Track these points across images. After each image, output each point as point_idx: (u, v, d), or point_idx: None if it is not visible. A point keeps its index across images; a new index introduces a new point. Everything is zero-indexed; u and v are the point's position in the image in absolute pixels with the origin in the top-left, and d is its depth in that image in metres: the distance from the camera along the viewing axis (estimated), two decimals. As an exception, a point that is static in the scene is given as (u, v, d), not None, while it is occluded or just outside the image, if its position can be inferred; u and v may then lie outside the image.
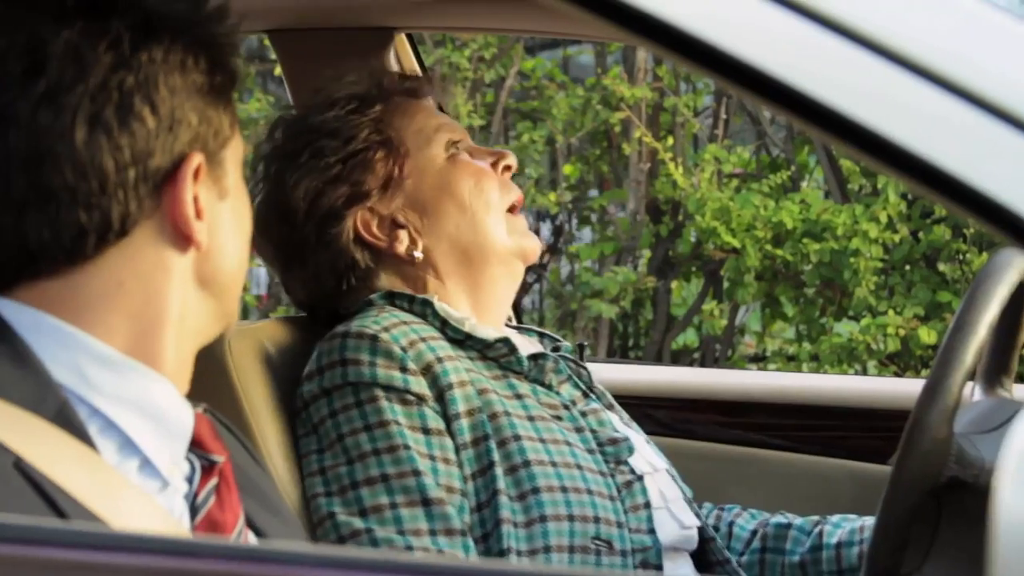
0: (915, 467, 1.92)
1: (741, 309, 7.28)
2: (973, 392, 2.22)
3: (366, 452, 2.03)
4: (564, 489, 2.06)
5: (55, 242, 1.36)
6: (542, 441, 2.09)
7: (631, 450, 2.17)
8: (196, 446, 1.45)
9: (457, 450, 2.05)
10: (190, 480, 1.45)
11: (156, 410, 1.40)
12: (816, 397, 2.78)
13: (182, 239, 1.40)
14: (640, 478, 2.15)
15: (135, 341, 1.39)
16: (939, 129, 1.16)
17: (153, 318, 1.40)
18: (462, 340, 2.16)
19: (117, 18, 1.36)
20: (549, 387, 2.20)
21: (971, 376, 2.01)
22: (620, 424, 2.25)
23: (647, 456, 2.22)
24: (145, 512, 1.34)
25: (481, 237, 2.23)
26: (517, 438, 2.07)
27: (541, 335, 2.33)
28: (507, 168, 2.27)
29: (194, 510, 1.45)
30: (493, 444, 2.05)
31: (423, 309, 2.18)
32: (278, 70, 6.25)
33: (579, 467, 2.10)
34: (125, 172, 1.36)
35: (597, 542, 2.05)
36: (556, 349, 2.30)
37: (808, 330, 6.60)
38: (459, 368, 2.09)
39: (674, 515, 2.17)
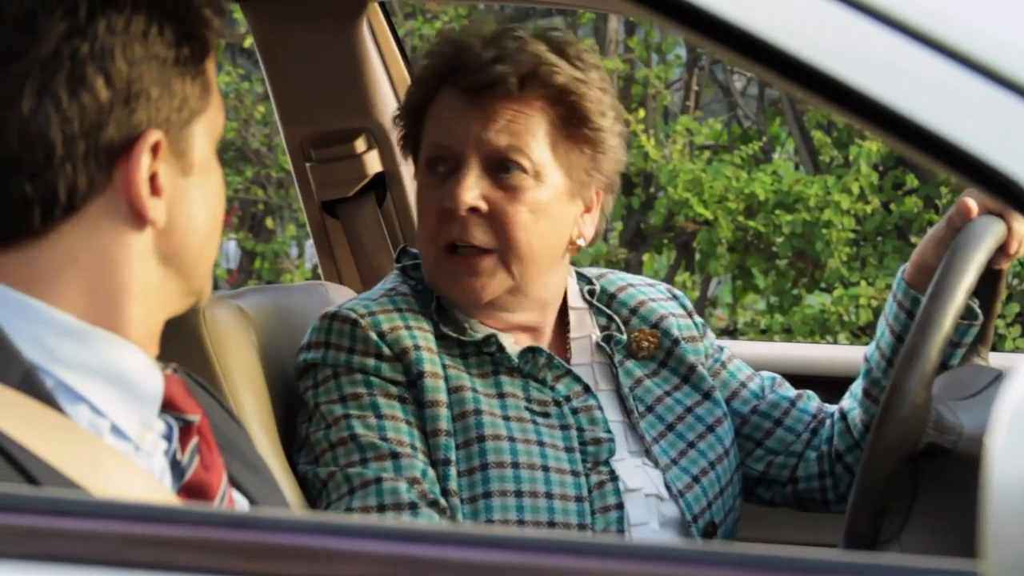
0: (894, 433, 1.91)
1: (713, 281, 7.28)
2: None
3: (339, 416, 2.09)
4: (519, 493, 2.09)
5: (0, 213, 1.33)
6: (511, 440, 2.10)
7: (611, 451, 2.15)
8: (169, 407, 1.43)
9: (426, 435, 2.10)
10: (168, 437, 1.44)
11: (123, 376, 1.37)
12: (787, 366, 2.78)
13: (137, 216, 1.36)
14: (615, 479, 2.13)
15: (95, 314, 1.36)
16: (920, 86, 1.15)
17: (113, 293, 1.37)
18: (451, 336, 2.15)
19: None
20: (543, 382, 2.17)
21: (949, 342, 2.01)
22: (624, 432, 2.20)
23: (638, 477, 2.18)
24: (126, 473, 1.32)
25: None
26: (481, 439, 2.10)
27: (609, 319, 2.28)
28: None
29: (180, 472, 1.43)
30: (452, 442, 2.09)
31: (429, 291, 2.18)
32: (247, 42, 6.21)
33: (545, 468, 2.10)
34: (74, 144, 1.32)
35: None
36: (608, 338, 2.25)
37: (780, 302, 6.60)
38: (435, 361, 2.12)
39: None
